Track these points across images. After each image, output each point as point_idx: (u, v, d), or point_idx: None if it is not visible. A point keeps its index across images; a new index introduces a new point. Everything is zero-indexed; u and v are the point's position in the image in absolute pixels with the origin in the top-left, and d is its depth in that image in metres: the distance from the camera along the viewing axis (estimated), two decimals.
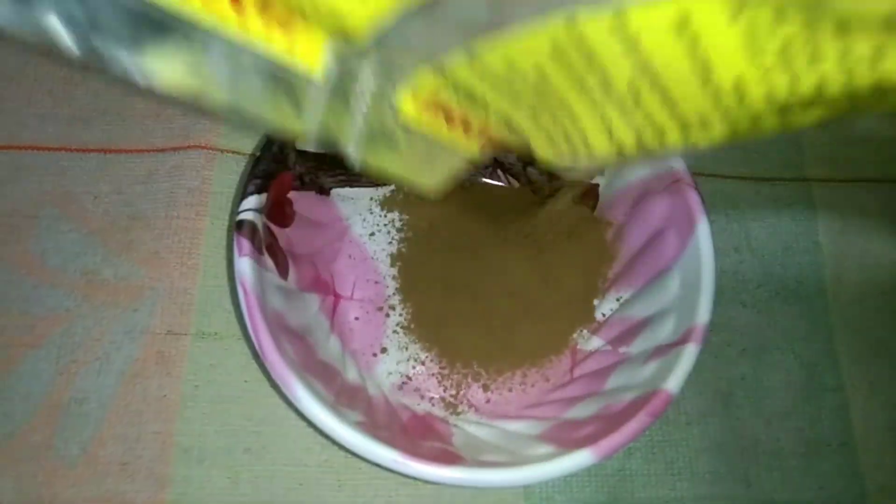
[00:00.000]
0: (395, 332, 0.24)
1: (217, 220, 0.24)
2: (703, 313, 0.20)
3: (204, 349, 0.23)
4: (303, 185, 0.22)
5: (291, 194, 0.22)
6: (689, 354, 0.19)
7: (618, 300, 0.24)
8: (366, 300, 0.24)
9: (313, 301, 0.23)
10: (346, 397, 0.20)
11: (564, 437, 0.19)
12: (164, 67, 0.11)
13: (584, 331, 0.24)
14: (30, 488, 0.21)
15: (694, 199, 0.21)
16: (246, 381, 0.23)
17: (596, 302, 0.24)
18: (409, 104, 0.14)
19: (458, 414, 0.22)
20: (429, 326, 0.24)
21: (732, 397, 0.24)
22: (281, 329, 0.19)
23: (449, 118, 0.15)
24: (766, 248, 0.26)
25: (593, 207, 0.24)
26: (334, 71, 0.12)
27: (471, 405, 0.23)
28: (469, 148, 0.16)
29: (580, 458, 0.18)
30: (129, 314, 0.23)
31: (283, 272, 0.21)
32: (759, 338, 0.25)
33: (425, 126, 0.15)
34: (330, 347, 0.22)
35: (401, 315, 0.24)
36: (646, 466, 0.23)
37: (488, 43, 0.12)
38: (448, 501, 0.22)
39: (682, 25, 0.11)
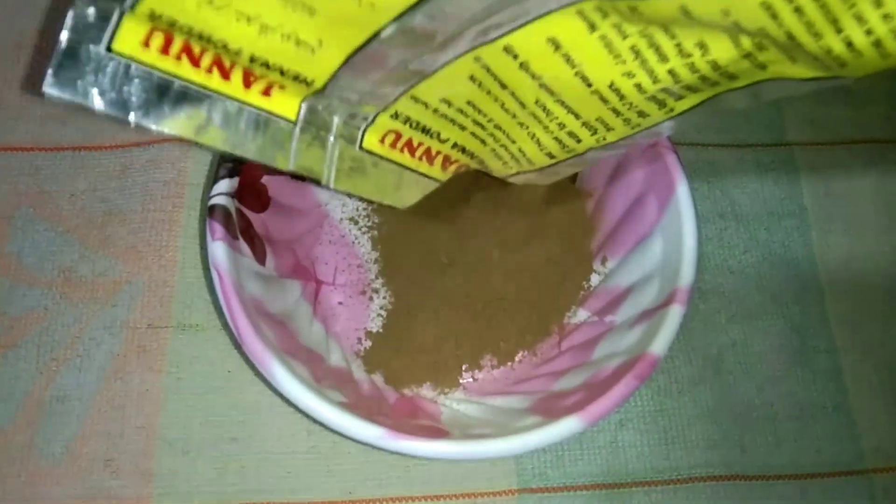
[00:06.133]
0: (379, 315, 0.23)
1: (193, 212, 0.24)
2: (686, 275, 0.19)
3: (185, 341, 0.23)
4: (276, 169, 0.22)
5: (265, 179, 0.21)
6: (673, 316, 0.19)
7: (602, 270, 0.23)
8: (348, 285, 0.24)
9: (294, 287, 0.22)
10: (330, 380, 0.20)
11: (552, 408, 0.19)
12: (179, 128, 0.14)
13: (571, 304, 0.23)
14: (13, 488, 0.21)
15: (672, 161, 0.20)
16: (229, 371, 0.23)
17: (582, 276, 0.24)
18: (373, 139, 0.17)
19: (445, 393, 0.22)
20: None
21: (724, 364, 0.24)
22: (260, 314, 0.19)
23: (411, 149, 0.18)
24: (751, 214, 0.26)
25: (573, 179, 0.24)
26: (308, 118, 0.16)
27: (458, 384, 0.22)
28: (434, 172, 0.19)
29: (568, 426, 0.17)
30: (109, 309, 0.23)
31: (261, 258, 0.21)
32: (748, 303, 0.25)
33: (391, 157, 0.18)
34: (313, 333, 0.22)
35: (384, 298, 0.24)
36: (638, 437, 0.23)
37: (421, 85, 0.15)
38: (439, 482, 0.22)
39: (555, 44, 0.14)
